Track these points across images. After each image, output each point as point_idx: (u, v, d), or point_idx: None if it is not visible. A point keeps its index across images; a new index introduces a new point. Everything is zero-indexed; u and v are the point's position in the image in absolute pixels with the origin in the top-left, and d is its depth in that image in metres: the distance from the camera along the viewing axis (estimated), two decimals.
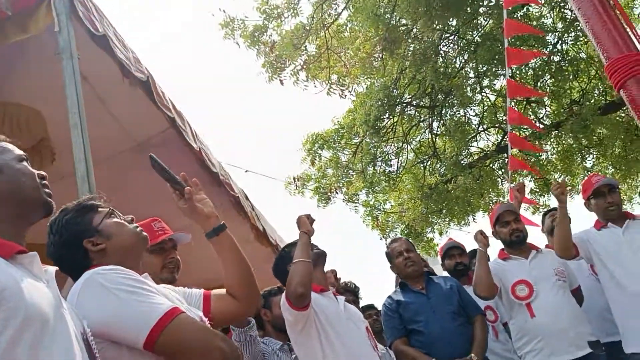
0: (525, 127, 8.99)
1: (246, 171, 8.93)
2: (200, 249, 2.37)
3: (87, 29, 2.97)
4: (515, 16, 7.58)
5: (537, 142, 8.88)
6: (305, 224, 2.82)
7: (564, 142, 9.32)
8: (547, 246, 3.96)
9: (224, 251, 1.94)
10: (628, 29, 2.25)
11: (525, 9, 8.13)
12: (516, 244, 3.67)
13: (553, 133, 9.00)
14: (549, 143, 9.67)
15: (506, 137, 7.73)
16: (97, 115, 3.42)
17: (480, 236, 3.57)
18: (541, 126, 9.01)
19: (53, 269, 1.41)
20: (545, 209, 10.88)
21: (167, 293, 1.70)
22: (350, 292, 3.80)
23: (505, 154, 8.63)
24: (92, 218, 1.72)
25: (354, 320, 2.84)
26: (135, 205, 3.65)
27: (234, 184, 4.77)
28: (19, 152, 1.44)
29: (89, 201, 1.79)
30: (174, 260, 2.35)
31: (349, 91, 9.26)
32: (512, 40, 6.84)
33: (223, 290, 1.97)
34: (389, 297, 3.57)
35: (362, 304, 4.30)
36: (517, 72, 8.86)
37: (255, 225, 5.04)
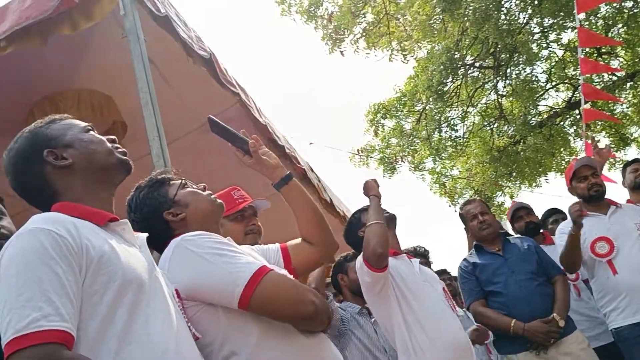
0: (598, 80, 8.59)
1: (310, 143, 8.95)
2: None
3: (150, 10, 3.03)
4: None
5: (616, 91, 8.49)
6: (374, 187, 2.81)
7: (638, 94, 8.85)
8: (628, 201, 3.79)
9: (294, 199, 1.97)
10: None
11: None
12: (595, 199, 3.52)
13: (628, 84, 8.55)
14: (623, 95, 9.20)
15: (577, 92, 7.41)
16: (164, 97, 3.50)
17: (576, 207, 3.28)
18: (614, 78, 8.58)
19: (144, 235, 1.48)
20: (622, 164, 10.45)
21: (252, 253, 1.74)
22: (421, 256, 3.76)
23: (577, 110, 8.30)
24: (167, 190, 1.78)
25: (430, 282, 2.82)
26: (209, 181, 3.77)
27: (300, 157, 4.80)
28: (83, 124, 1.48)
29: (161, 175, 1.84)
30: (255, 227, 2.39)
31: (411, 56, 9.09)
32: None
33: (298, 240, 2.01)
34: (465, 259, 3.51)
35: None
36: (586, 22, 8.43)
37: (322, 196, 5.07)
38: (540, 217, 4.55)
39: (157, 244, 1.69)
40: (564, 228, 3.51)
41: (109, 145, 1.47)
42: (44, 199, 1.40)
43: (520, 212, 4.26)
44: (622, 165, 4.19)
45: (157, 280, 1.36)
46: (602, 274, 3.35)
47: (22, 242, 1.18)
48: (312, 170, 5.05)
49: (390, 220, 2.88)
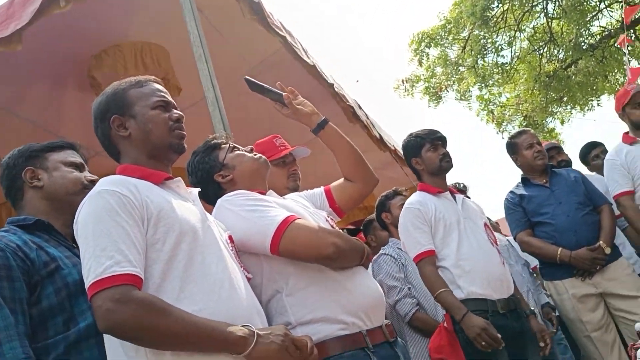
0: None
1: (357, 81, 8.98)
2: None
3: None
4: None
5: None
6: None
7: None
8: None
9: (332, 141, 2.14)
10: None
11: None
12: None
13: None
14: None
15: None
16: (214, 44, 3.63)
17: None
18: None
19: (197, 190, 1.71)
20: None
21: (289, 203, 1.94)
22: (461, 192, 3.86)
23: (633, 30, 7.99)
24: (218, 155, 2.02)
25: (472, 218, 2.92)
26: (259, 123, 3.93)
27: (347, 95, 4.87)
28: (156, 98, 1.64)
29: (213, 140, 2.08)
30: (295, 172, 2.56)
31: None
32: None
33: (341, 180, 2.21)
34: (511, 191, 3.57)
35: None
36: None
37: (373, 133, 5.16)
38: (579, 152, 4.54)
39: (213, 202, 1.93)
40: (612, 157, 3.51)
41: (169, 125, 1.62)
42: (113, 154, 1.65)
43: (552, 152, 4.24)
44: None
45: (210, 229, 1.57)
46: None
47: (93, 202, 1.42)
48: (360, 108, 5.13)
49: (441, 140, 2.99)
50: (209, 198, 1.98)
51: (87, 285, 1.31)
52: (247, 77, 2.13)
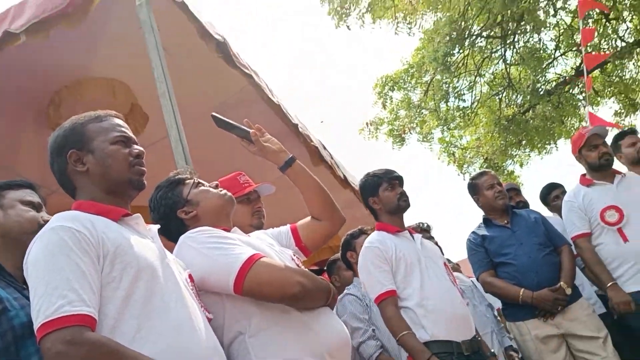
0: (604, 47, 8.58)
1: (321, 122, 9.08)
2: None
3: None
4: None
5: (619, 62, 8.48)
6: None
7: None
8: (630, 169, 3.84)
9: (299, 179, 2.13)
10: None
11: None
12: (605, 168, 3.57)
13: (636, 50, 8.52)
14: (632, 62, 9.18)
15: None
16: (179, 82, 3.61)
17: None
18: (622, 44, 8.56)
19: (156, 227, 1.65)
20: (630, 127, 10.46)
21: (254, 241, 1.90)
22: (424, 231, 3.87)
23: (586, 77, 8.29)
24: (182, 190, 1.96)
25: (432, 257, 2.91)
26: (223, 161, 3.90)
27: (312, 135, 4.89)
28: (116, 133, 1.60)
29: (177, 176, 2.03)
30: (260, 209, 2.53)
31: (417, 29, 9.10)
32: None
33: (308, 218, 2.18)
34: (473, 232, 3.60)
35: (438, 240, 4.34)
36: None
37: (337, 173, 5.17)
38: (540, 193, 4.63)
39: (175, 239, 1.86)
40: (570, 199, 3.59)
41: (129, 160, 1.58)
42: (69, 189, 1.59)
43: (510, 193, 4.28)
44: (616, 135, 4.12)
45: (169, 267, 1.52)
46: (611, 241, 3.39)
47: (45, 238, 1.36)
48: (325, 148, 5.15)
49: (398, 179, 2.99)
50: (172, 235, 1.91)
51: (36, 326, 1.24)
52: (214, 113, 2.12)
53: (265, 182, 2.56)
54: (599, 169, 3.56)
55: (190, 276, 1.64)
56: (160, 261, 1.49)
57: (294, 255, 2.04)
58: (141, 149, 1.63)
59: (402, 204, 2.94)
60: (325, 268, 4.24)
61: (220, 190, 2.01)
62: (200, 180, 2.03)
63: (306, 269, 1.95)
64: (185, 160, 2.79)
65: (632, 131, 4.05)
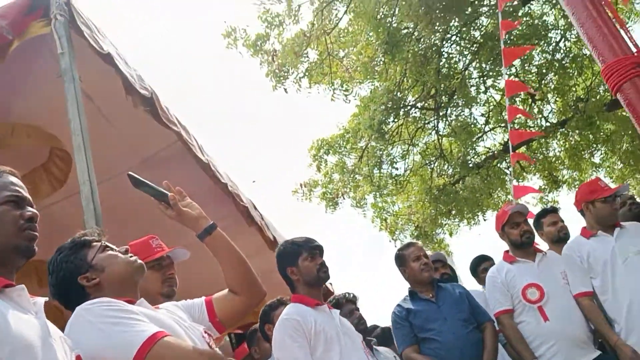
0: (530, 125, 9.02)
1: (253, 181, 9.00)
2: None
3: (93, 48, 3.01)
4: (517, 14, 7.61)
5: (543, 140, 8.89)
6: None
7: (570, 139, 9.31)
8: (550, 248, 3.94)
9: (218, 249, 2.00)
10: (622, 32, 2.26)
11: (527, 8, 8.14)
12: (525, 246, 3.65)
13: (559, 130, 8.99)
14: (556, 141, 9.66)
15: None
16: (103, 134, 3.46)
17: None
18: (547, 124, 9.02)
19: (42, 300, 1.44)
20: (552, 206, 10.91)
21: (160, 316, 1.74)
22: (350, 302, 3.77)
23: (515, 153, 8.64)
24: (87, 254, 1.77)
25: (350, 335, 2.81)
26: (141, 221, 3.72)
27: (242, 195, 4.79)
28: (7, 192, 1.43)
29: (83, 237, 1.83)
30: (172, 276, 2.38)
31: (353, 96, 9.30)
32: (513, 39, 6.86)
33: (225, 290, 2.03)
34: (398, 305, 3.54)
35: (369, 308, 4.28)
36: (521, 70, 8.86)
37: (266, 234, 5.06)
38: (470, 265, 4.68)
39: (73, 307, 1.66)
40: (494, 275, 3.63)
41: (19, 224, 1.42)
42: None
43: (436, 264, 4.29)
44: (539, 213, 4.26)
45: (52, 347, 1.33)
46: (532, 320, 3.44)
47: None
48: (255, 208, 5.05)
49: (319, 249, 2.88)
50: (70, 303, 1.70)
51: None
52: (130, 172, 1.97)
53: (179, 247, 2.42)
54: (520, 247, 3.64)
55: (78, 357, 1.45)
56: (41, 341, 1.30)
57: (206, 332, 1.87)
58: (35, 211, 1.45)
59: (322, 275, 2.82)
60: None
61: (130, 256, 1.82)
62: (109, 244, 1.84)
63: (214, 350, 1.79)
64: (96, 219, 2.59)
65: (553, 209, 4.19)
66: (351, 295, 4.07)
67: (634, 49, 2.20)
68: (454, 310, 3.38)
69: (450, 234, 11.42)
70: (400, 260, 3.66)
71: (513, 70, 8.79)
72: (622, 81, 2.24)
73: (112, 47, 3.25)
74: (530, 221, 3.92)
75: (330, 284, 6.55)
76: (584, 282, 3.42)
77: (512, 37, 7.10)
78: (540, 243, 4.01)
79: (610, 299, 3.31)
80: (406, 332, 3.41)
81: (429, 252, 4.03)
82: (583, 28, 2.34)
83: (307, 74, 8.55)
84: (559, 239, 3.89)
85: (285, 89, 8.48)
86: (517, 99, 9.00)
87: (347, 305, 3.66)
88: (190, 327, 1.82)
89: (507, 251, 3.75)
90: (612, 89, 2.24)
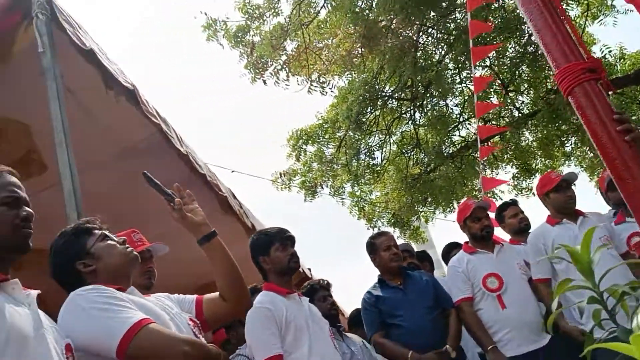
0: (502, 116, 9.22)
1: (232, 171, 9.09)
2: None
3: (75, 44, 3.08)
4: (490, 8, 7.77)
5: (515, 130, 9.10)
6: None
7: (541, 129, 9.54)
8: (510, 241, 4.15)
9: (215, 256, 2.11)
10: (574, 39, 2.42)
11: (500, 1, 8.30)
12: (485, 240, 3.84)
13: (530, 121, 9.21)
14: (528, 131, 9.88)
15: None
16: (84, 127, 3.53)
17: None
18: (519, 114, 9.24)
19: (35, 292, 1.56)
20: (526, 194, 11.16)
21: (148, 304, 1.86)
22: (323, 289, 3.92)
23: (486, 143, 8.85)
24: (86, 241, 1.89)
25: (318, 322, 2.93)
26: (121, 209, 3.81)
27: (221, 184, 4.89)
28: (5, 193, 1.54)
29: (85, 224, 1.95)
30: (151, 269, 2.50)
31: (330, 88, 9.40)
32: (485, 35, 7.02)
33: (216, 294, 2.15)
34: (368, 292, 3.71)
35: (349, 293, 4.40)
36: (495, 62, 9.04)
37: (244, 222, 5.17)
38: (442, 252, 4.86)
39: (69, 291, 1.78)
40: (455, 264, 3.81)
41: (15, 224, 1.52)
42: None
43: (404, 254, 4.43)
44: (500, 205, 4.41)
45: (44, 337, 1.45)
46: (491, 308, 3.64)
47: None
48: (234, 197, 5.16)
49: (290, 240, 3.00)
50: (66, 285, 1.83)
51: None
52: (145, 171, 2.06)
53: (158, 242, 2.53)
54: (480, 240, 3.82)
55: (68, 346, 1.57)
56: (34, 331, 1.43)
57: (191, 320, 2.00)
58: (30, 211, 1.58)
59: (293, 265, 2.94)
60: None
61: (127, 247, 1.95)
62: (108, 234, 1.96)
63: (197, 338, 1.91)
64: (78, 212, 2.68)
65: (513, 202, 4.40)
66: (325, 282, 4.23)
67: (585, 56, 2.36)
68: (420, 298, 3.56)
69: (427, 221, 11.65)
70: (372, 248, 3.82)
71: (487, 62, 8.98)
72: (573, 85, 2.37)
73: (94, 44, 3.33)
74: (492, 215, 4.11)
75: (309, 269, 6.73)
76: (543, 270, 3.61)
77: (484, 33, 7.26)
78: (503, 234, 4.23)
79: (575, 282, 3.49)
80: (374, 318, 3.58)
81: (402, 241, 4.21)
82: (540, 34, 2.48)
83: (285, 66, 8.63)
84: (520, 229, 4.11)
85: (264, 81, 8.56)
86: (491, 90, 9.19)
87: (320, 291, 3.80)
88: (177, 314, 1.96)
89: (467, 242, 3.93)
90: (564, 92, 2.39)
